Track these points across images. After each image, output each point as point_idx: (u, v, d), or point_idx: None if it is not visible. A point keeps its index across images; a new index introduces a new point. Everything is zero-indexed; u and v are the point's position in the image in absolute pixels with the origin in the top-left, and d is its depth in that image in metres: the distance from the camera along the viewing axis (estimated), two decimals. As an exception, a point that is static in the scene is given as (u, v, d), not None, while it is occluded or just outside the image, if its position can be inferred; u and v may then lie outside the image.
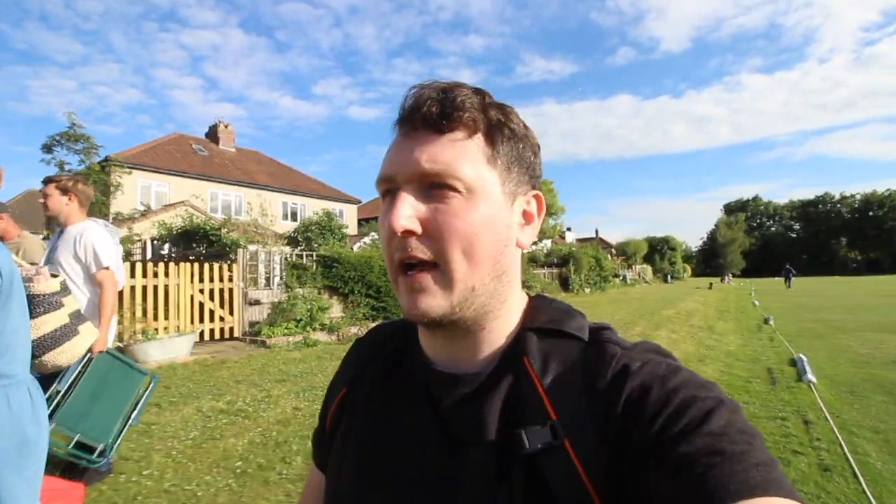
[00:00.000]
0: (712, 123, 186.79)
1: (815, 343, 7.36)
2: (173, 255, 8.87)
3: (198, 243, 8.94)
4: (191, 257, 8.53)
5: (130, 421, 2.23)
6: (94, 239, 2.53)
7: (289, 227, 14.61)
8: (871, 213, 72.14)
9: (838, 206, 77.86)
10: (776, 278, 41.56)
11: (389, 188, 0.45)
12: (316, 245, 9.39)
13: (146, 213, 14.87)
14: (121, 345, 5.79)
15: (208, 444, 3.32)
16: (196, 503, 2.50)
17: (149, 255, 9.65)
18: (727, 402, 0.38)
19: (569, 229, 38.68)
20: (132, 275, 6.42)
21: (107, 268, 2.54)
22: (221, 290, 7.58)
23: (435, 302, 0.43)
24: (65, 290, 1.75)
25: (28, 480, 1.30)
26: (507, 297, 0.48)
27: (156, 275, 6.70)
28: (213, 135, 24.86)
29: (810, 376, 5.03)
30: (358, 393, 0.55)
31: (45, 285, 1.60)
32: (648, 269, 36.80)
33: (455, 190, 0.43)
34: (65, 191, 2.55)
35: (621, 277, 28.74)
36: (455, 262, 0.43)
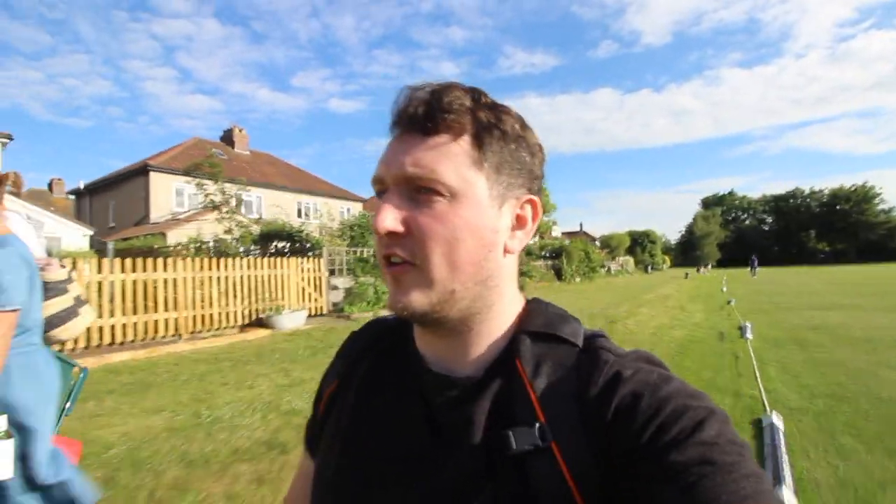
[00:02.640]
0: (692, 117, 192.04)
1: (761, 317, 9.59)
2: (255, 251, 10.79)
3: (282, 241, 10.97)
4: (271, 252, 10.60)
5: (65, 411, 2.17)
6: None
7: (308, 225, 16.45)
8: (838, 207, 76.38)
9: (808, 200, 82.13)
10: (746, 268, 44.93)
11: (381, 189, 0.47)
12: (359, 242, 11.43)
13: (194, 216, 16.60)
14: (262, 317, 7.88)
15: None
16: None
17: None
18: (717, 413, 0.39)
19: (554, 223, 41.02)
20: (251, 266, 8.46)
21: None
22: (311, 279, 9.71)
23: (415, 298, 0.44)
24: (69, 278, 1.89)
25: (50, 425, 1.56)
26: (494, 302, 0.48)
27: (273, 266, 8.82)
28: (228, 139, 26.45)
29: (748, 335, 7.25)
30: (349, 386, 0.56)
31: (56, 273, 1.80)
32: (631, 260, 39.59)
33: (438, 193, 0.43)
34: None
35: (606, 268, 31.31)
36: (434, 264, 0.43)
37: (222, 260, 8.03)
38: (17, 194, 1.65)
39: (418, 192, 0.44)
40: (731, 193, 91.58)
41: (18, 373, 1.49)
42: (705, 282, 24.57)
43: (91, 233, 15.52)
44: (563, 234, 38.51)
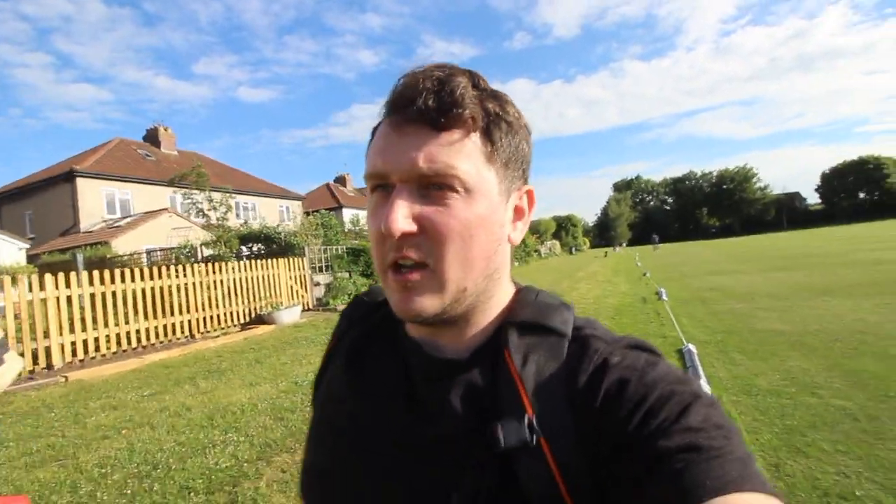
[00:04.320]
0: (601, 107, 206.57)
1: (671, 283, 11.89)
2: (232, 254, 11.19)
3: (262, 243, 11.50)
4: (248, 255, 11.12)
5: None
6: None
7: (248, 226, 16.67)
8: (724, 187, 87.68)
9: (700, 181, 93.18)
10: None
11: (382, 184, 0.44)
12: (332, 241, 12.33)
13: (136, 222, 16.16)
14: (263, 314, 8.64)
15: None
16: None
17: (200, 256, 11.77)
18: (704, 397, 0.39)
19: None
20: (248, 268, 9.13)
21: None
22: (297, 277, 10.49)
23: (428, 302, 0.43)
24: None
25: None
26: (494, 293, 0.48)
27: (266, 267, 9.50)
28: (153, 139, 25.14)
29: (664, 297, 9.32)
30: (335, 362, 0.57)
31: None
32: (557, 244, 43.09)
33: (453, 190, 0.42)
34: None
35: (537, 252, 34.12)
36: (448, 263, 0.42)
37: (223, 264, 8.65)
38: None
39: (430, 189, 0.42)
40: (637, 178, 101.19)
41: None
42: (622, 259, 28.01)
43: (27, 246, 14.56)
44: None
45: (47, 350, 6.07)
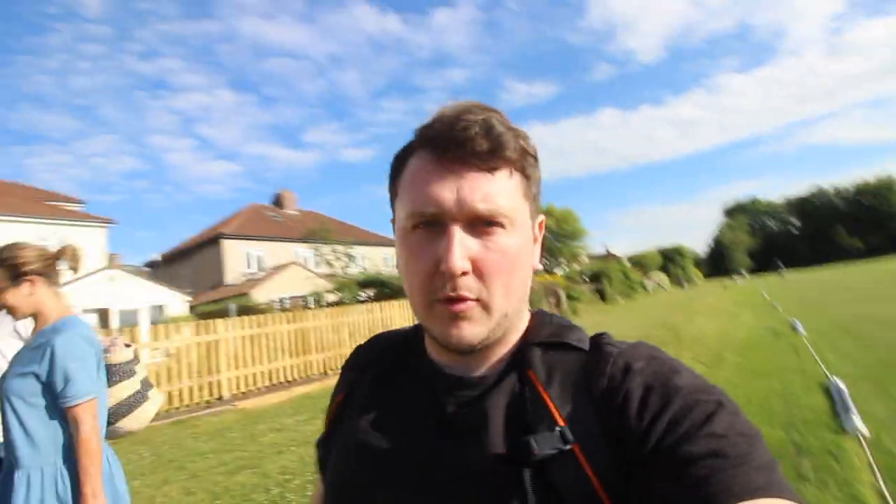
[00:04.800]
0: (697, 126, 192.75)
1: (808, 314, 10.63)
2: (354, 299, 12.52)
3: (377, 288, 12.76)
4: (366, 298, 12.35)
5: None
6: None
7: (366, 273, 17.95)
8: (863, 202, 75.69)
9: (833, 198, 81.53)
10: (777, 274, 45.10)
11: (431, 221, 0.45)
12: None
13: (269, 275, 18.52)
14: None
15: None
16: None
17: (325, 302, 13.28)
18: (728, 405, 0.39)
19: (586, 249, 41.91)
20: (369, 311, 10.16)
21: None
22: (408, 317, 11.25)
23: (477, 330, 0.45)
24: (136, 358, 1.70)
25: None
26: (524, 315, 0.52)
27: (382, 310, 10.52)
28: (278, 202, 28.98)
29: (800, 329, 8.39)
30: (356, 394, 0.56)
31: (121, 355, 1.60)
32: (665, 277, 40.19)
33: (500, 226, 0.44)
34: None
35: (643, 287, 32.20)
36: (497, 296, 0.45)
37: (348, 307, 9.74)
38: (75, 269, 1.54)
39: (478, 226, 0.44)
40: (754, 201, 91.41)
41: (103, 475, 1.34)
42: (744, 290, 25.32)
43: (190, 299, 17.47)
44: (589, 258, 39.12)
45: (218, 383, 7.29)
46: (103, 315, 14.57)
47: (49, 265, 1.46)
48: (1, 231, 14.27)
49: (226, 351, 7.46)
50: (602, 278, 24.81)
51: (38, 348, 1.36)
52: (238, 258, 22.31)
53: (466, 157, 0.44)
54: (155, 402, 1.75)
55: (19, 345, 1.88)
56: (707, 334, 9.27)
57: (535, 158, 0.49)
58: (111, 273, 15.17)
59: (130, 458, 4.51)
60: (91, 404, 1.34)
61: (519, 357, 0.49)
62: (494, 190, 0.44)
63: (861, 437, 3.20)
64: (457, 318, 0.44)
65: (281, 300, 15.15)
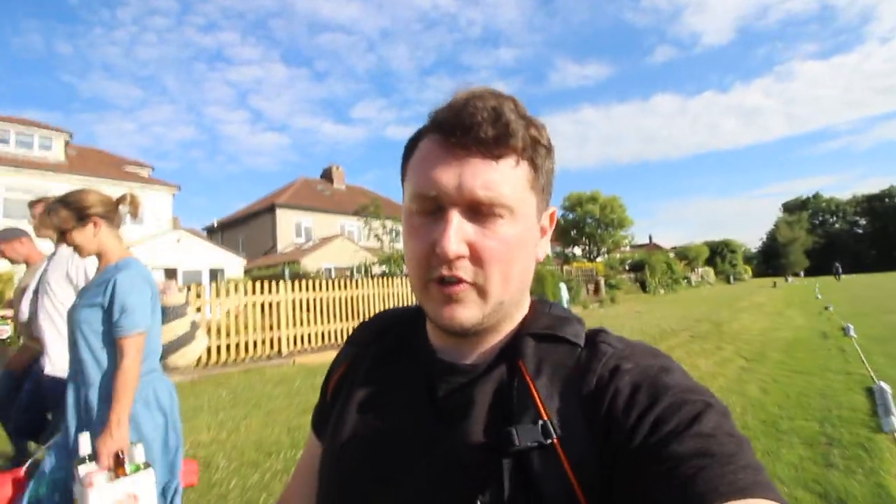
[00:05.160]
0: (764, 116, 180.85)
1: (862, 319, 10.01)
2: (400, 272, 13.04)
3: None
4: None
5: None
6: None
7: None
8: (945, 205, 69.25)
9: (908, 198, 75.01)
10: (843, 276, 42.42)
11: (433, 206, 0.46)
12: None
13: (318, 245, 19.40)
14: None
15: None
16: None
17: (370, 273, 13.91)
18: (716, 406, 0.39)
19: (633, 238, 40.77)
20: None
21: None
22: None
23: (470, 313, 0.46)
24: (187, 302, 1.84)
25: (170, 456, 1.53)
26: (523, 305, 0.52)
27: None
28: (327, 176, 29.91)
29: (852, 333, 8.11)
30: (359, 369, 0.58)
31: (175, 297, 1.75)
32: (710, 271, 38.81)
33: (500, 216, 0.45)
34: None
35: (687, 280, 31.28)
36: (492, 282, 0.45)
37: (392, 279, 10.30)
38: (135, 215, 1.63)
39: (479, 212, 0.45)
40: (816, 196, 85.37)
41: (142, 404, 1.45)
42: (796, 290, 24.15)
43: (245, 263, 18.65)
44: (631, 246, 38.08)
45: (278, 339, 7.99)
46: (170, 274, 15.83)
47: (111, 210, 1.56)
48: (83, 190, 15.67)
49: (285, 311, 8.13)
50: (645, 268, 24.35)
51: (102, 283, 1.48)
52: (289, 227, 23.43)
53: (471, 142, 0.44)
54: (201, 342, 1.84)
55: (69, 290, 2.11)
56: (751, 331, 9.13)
57: (548, 150, 0.48)
58: (178, 234, 16.37)
59: (212, 396, 5.21)
60: (138, 339, 1.44)
61: (512, 346, 0.49)
62: (497, 178, 0.44)
63: (896, 437, 3.25)
64: (450, 299, 0.46)
65: (330, 269, 15.90)
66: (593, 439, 0.41)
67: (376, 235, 13.89)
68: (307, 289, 8.60)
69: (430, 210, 0.46)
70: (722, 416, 0.39)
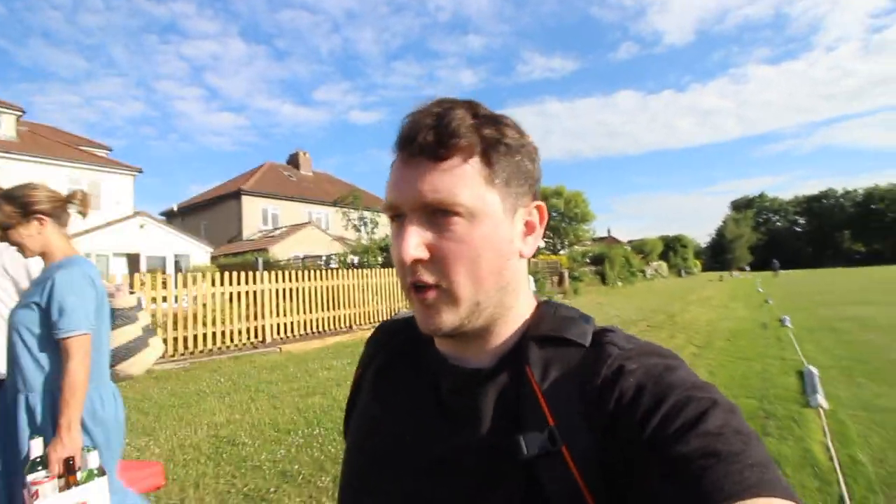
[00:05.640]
0: (719, 117, 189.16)
1: (797, 312, 11.03)
2: (377, 262, 13.20)
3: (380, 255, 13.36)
4: (382, 264, 13.05)
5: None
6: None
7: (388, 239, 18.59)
8: (873, 207, 75.53)
9: (841, 200, 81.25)
10: (782, 271, 45.72)
11: (395, 214, 0.48)
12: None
13: (287, 233, 19.20)
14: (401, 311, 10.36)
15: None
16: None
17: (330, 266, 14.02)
18: (723, 403, 0.39)
19: (594, 232, 42.20)
20: (389, 274, 10.82)
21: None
22: None
23: (446, 317, 0.46)
24: (139, 305, 1.74)
25: (113, 463, 1.48)
26: (513, 304, 0.51)
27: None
28: (294, 162, 29.32)
29: (788, 324, 9.03)
30: (368, 374, 0.61)
31: (125, 300, 1.65)
32: (664, 265, 40.96)
33: (457, 215, 0.45)
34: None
35: (642, 273, 33.01)
36: (459, 283, 0.46)
37: (371, 270, 10.51)
38: (83, 214, 1.54)
39: (436, 215, 0.46)
40: (761, 196, 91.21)
41: (87, 414, 1.38)
42: (740, 284, 26.12)
43: (212, 250, 18.19)
44: (592, 240, 39.50)
45: (262, 328, 8.14)
46: (133, 259, 15.35)
47: (58, 207, 1.48)
48: (36, 172, 14.87)
49: (269, 300, 8.26)
50: (605, 261, 25.56)
51: (41, 282, 1.42)
52: (255, 214, 22.97)
53: (416, 150, 0.46)
54: (155, 349, 1.74)
55: (9, 286, 1.91)
56: (699, 322, 9.94)
57: (508, 146, 0.48)
58: (141, 220, 15.85)
59: (210, 382, 5.39)
60: (82, 340, 1.35)
61: (517, 350, 0.50)
62: (445, 179, 0.45)
63: (821, 410, 3.88)
64: (425, 305, 0.47)
65: (298, 258, 15.86)
66: (599, 441, 0.41)
67: (354, 226, 14.01)
68: (289, 279, 8.75)
69: (397, 221, 0.48)
70: (729, 412, 0.38)
